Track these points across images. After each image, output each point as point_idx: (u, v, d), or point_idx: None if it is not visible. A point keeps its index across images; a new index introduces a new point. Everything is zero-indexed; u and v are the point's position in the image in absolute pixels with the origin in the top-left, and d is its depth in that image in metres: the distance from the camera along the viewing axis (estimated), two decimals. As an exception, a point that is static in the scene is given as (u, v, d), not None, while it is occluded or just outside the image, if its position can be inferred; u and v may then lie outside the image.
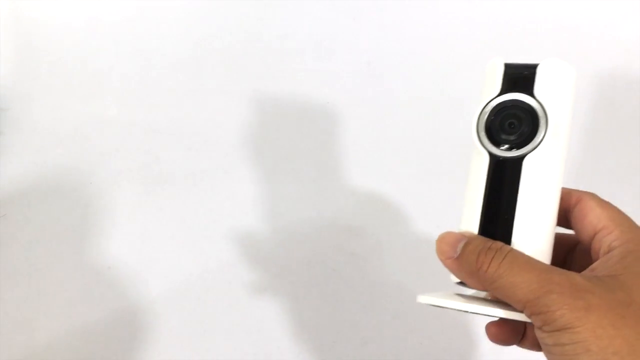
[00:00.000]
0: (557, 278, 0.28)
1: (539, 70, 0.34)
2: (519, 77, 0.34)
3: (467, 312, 0.33)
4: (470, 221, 0.34)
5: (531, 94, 0.33)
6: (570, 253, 0.39)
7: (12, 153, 0.75)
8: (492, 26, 0.80)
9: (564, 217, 0.36)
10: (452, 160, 0.76)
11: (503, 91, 0.34)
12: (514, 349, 0.57)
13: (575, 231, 0.36)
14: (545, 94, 0.33)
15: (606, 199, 0.36)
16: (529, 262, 0.30)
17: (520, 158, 0.33)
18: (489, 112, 0.34)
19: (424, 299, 0.35)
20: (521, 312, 0.30)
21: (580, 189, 0.37)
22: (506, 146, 0.33)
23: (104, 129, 0.77)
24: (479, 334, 0.59)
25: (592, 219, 0.35)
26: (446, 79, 0.79)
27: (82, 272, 0.63)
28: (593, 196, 0.36)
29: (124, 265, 0.64)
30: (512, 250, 0.31)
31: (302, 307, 0.61)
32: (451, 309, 0.33)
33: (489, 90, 0.35)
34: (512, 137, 0.33)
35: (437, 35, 0.81)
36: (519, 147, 0.33)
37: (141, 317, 0.61)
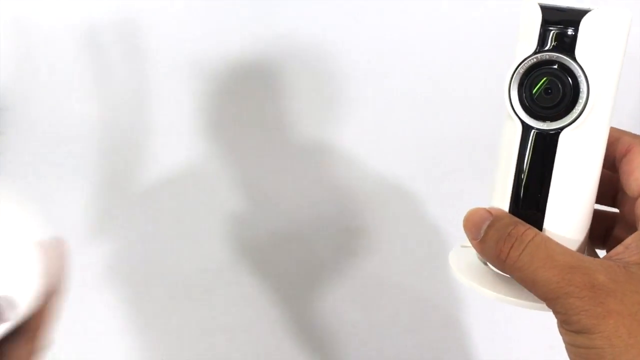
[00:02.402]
0: (578, 279, 0.26)
1: (583, 23, 0.27)
2: (559, 31, 0.28)
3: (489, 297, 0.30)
4: (500, 196, 0.30)
5: (572, 56, 0.27)
6: (611, 230, 0.34)
7: (12, 153, 0.75)
8: (493, 26, 0.80)
9: (613, 166, 0.32)
10: (452, 160, 0.76)
11: (539, 48, 0.28)
12: (513, 348, 0.57)
13: (622, 186, 0.31)
14: (590, 55, 0.27)
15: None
16: (551, 257, 0.27)
17: (556, 132, 0.28)
18: (522, 73, 0.29)
19: (453, 262, 0.32)
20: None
21: (635, 133, 0.31)
22: (540, 116, 0.29)
23: (104, 129, 0.77)
24: (479, 333, 0.59)
25: (638, 176, 0.30)
26: (446, 79, 0.79)
27: (82, 273, 0.63)
28: None
29: (124, 266, 0.64)
30: (535, 238, 0.28)
31: (302, 307, 0.61)
32: (473, 289, 0.30)
33: (525, 43, 0.29)
34: (546, 107, 0.28)
35: (437, 35, 0.81)
36: (553, 119, 0.28)
37: (141, 317, 0.61)
